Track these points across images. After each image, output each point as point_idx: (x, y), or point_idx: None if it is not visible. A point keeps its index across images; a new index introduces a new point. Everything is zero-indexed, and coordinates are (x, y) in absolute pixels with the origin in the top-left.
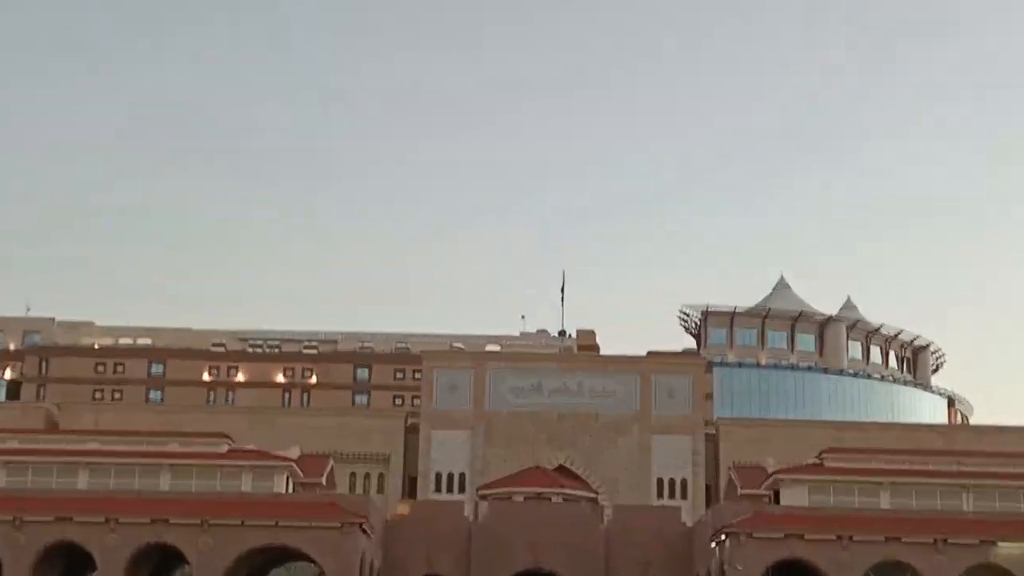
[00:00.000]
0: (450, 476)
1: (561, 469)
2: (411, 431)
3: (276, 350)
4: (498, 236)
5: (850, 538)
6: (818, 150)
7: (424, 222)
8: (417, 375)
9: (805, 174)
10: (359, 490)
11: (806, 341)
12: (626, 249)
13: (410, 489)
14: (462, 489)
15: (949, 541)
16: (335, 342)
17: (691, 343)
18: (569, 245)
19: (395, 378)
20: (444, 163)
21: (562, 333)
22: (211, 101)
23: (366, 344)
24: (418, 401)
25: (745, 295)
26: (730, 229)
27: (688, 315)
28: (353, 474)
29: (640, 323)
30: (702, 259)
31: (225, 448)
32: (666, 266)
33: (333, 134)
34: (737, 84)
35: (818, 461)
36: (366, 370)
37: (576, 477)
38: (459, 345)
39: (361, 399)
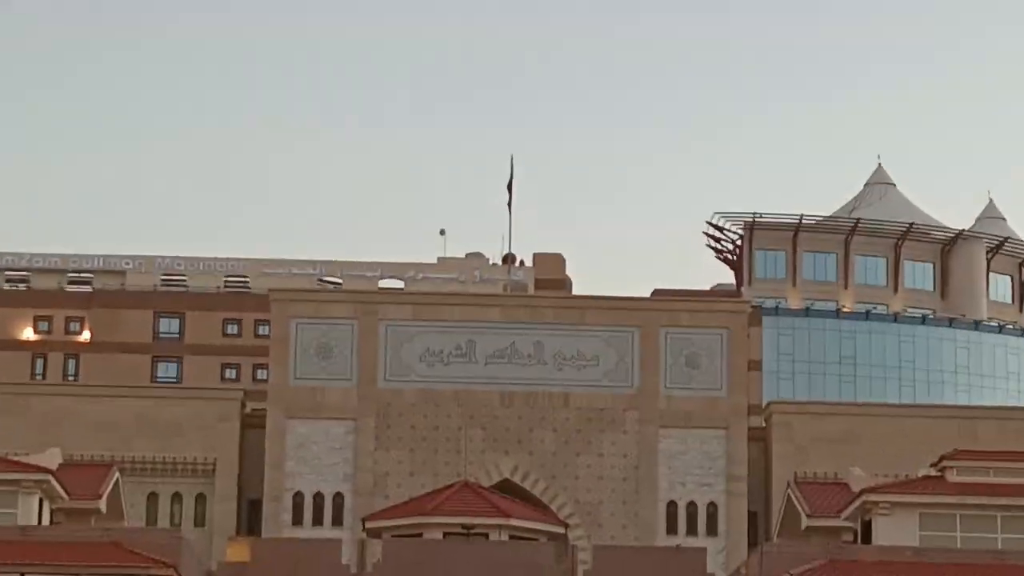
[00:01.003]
0: (318, 499)
1: (506, 486)
2: (252, 423)
3: (22, 286)
4: (402, 107)
5: None
6: None
7: (273, 85)
8: (263, 329)
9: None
10: (164, 522)
11: (921, 273)
12: (615, 126)
13: (251, 520)
14: (339, 521)
15: None
16: (122, 272)
17: (727, 277)
18: (521, 121)
19: (225, 334)
20: None
21: (510, 259)
22: None
23: (175, 276)
24: (263, 373)
25: (819, 198)
26: (792, 95)
27: (722, 229)
28: (153, 495)
29: (640, 244)
30: (746, 142)
31: None
32: (684, 152)
33: None
34: None
35: (937, 473)
36: (176, 320)
37: (531, 500)
38: (334, 279)
39: (167, 369)
